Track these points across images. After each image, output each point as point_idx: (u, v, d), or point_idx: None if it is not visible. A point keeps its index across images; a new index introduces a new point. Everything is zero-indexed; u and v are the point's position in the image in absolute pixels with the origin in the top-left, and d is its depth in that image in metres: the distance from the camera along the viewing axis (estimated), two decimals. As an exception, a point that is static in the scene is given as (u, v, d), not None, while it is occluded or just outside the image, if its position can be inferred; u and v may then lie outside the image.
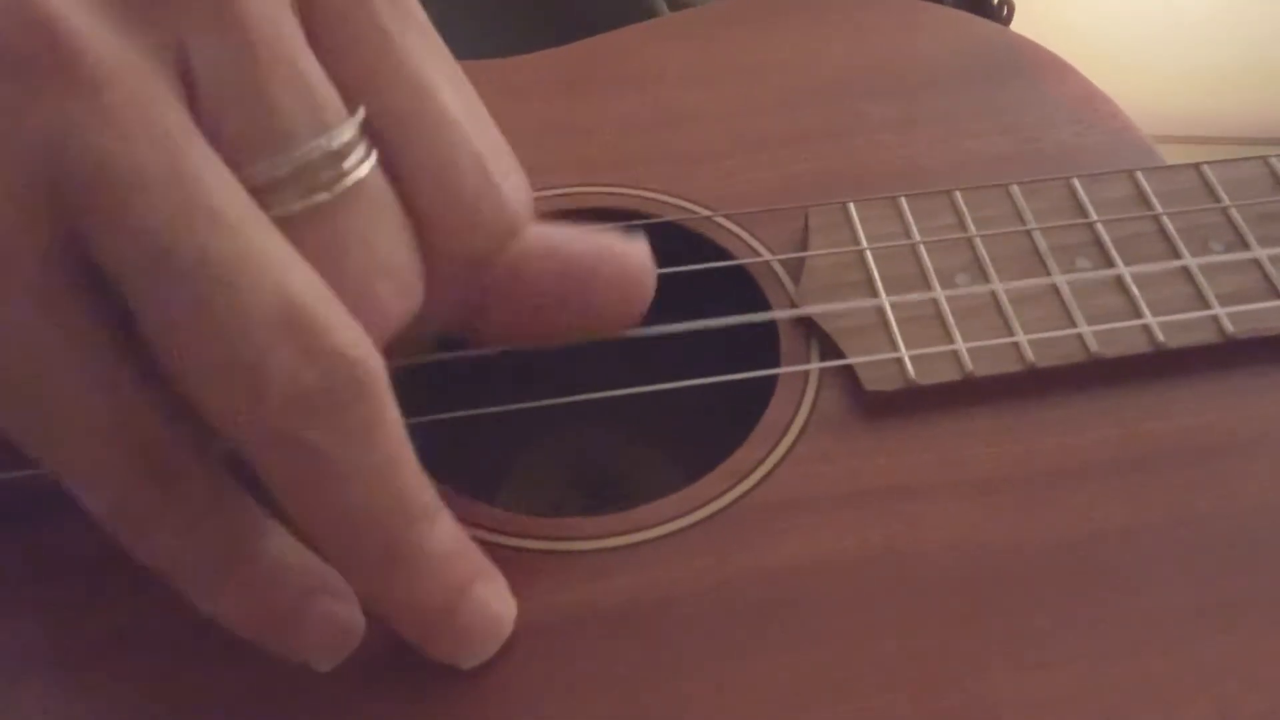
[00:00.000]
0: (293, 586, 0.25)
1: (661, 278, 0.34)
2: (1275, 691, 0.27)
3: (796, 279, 0.34)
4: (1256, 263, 0.34)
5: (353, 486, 0.23)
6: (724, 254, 0.36)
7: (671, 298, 0.33)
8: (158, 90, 0.22)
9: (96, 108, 0.21)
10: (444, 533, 0.25)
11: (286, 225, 0.23)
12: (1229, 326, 0.33)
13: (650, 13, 0.47)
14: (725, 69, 0.42)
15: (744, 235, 0.36)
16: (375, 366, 0.23)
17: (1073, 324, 0.33)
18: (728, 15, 0.44)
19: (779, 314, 0.34)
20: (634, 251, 0.29)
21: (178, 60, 0.22)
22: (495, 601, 0.27)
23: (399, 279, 0.24)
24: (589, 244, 0.29)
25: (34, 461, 0.23)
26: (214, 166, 0.22)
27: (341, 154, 0.23)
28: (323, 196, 0.23)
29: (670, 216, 0.37)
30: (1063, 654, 0.27)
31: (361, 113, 0.24)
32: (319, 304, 0.22)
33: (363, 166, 0.24)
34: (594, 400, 0.32)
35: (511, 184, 0.26)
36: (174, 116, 0.22)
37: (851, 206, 0.36)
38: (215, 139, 0.22)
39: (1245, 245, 0.34)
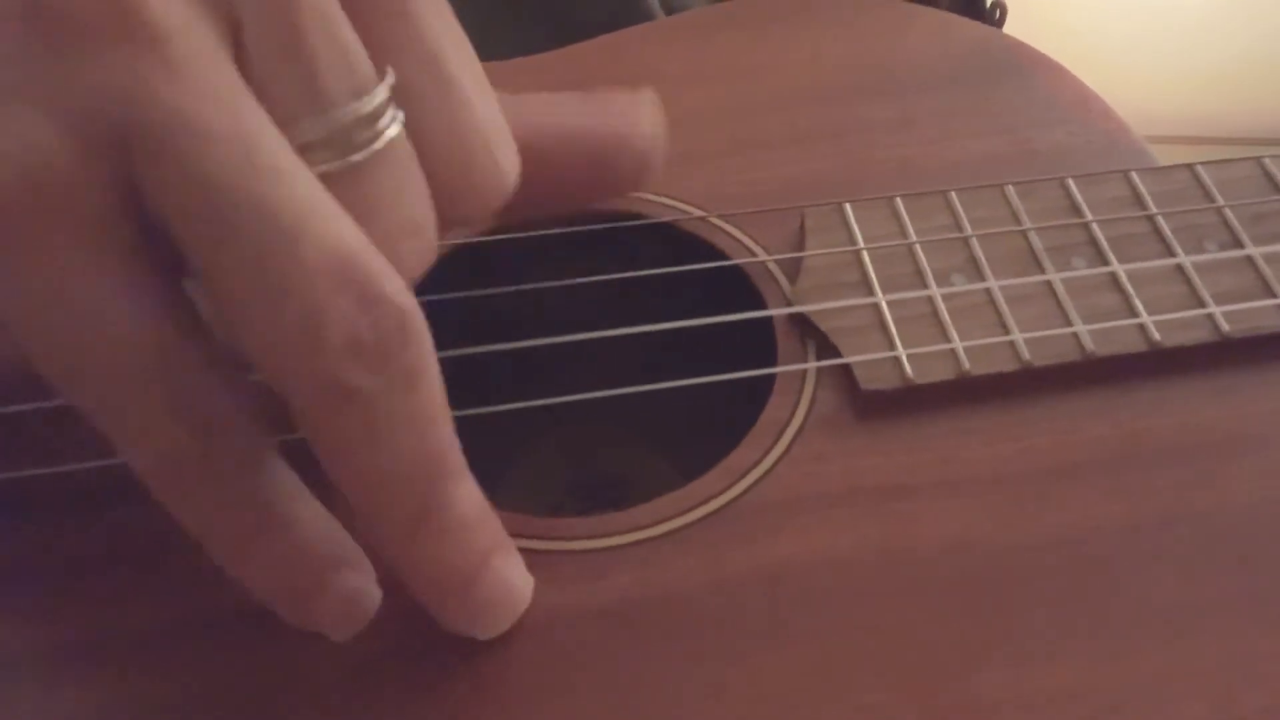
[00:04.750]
0: (318, 558, 0.26)
1: (657, 278, 0.34)
2: (1272, 689, 0.27)
3: (793, 279, 0.35)
4: (1251, 262, 0.34)
5: (395, 436, 0.24)
6: (720, 255, 0.36)
7: (668, 298, 0.34)
8: (215, 49, 0.22)
9: (160, 63, 0.22)
10: (471, 497, 0.26)
11: (323, 183, 0.23)
12: (1224, 325, 0.33)
13: (645, 16, 0.47)
14: (720, 71, 0.42)
15: (740, 236, 0.36)
16: (420, 316, 0.24)
17: (1068, 323, 0.33)
18: (722, 18, 0.44)
19: (776, 312, 0.34)
20: (637, 128, 0.30)
21: (229, 23, 0.23)
22: (513, 574, 0.28)
23: (420, 237, 0.25)
24: (594, 128, 0.29)
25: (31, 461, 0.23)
26: (268, 123, 0.22)
27: (374, 116, 0.24)
28: (357, 157, 0.24)
29: (666, 217, 0.37)
30: (1058, 652, 0.27)
31: (392, 76, 0.24)
32: (370, 255, 0.23)
33: (393, 127, 0.24)
34: (590, 400, 0.32)
35: (507, 159, 0.27)
36: (230, 74, 0.22)
37: (847, 207, 0.36)
38: (260, 100, 0.23)
39: (1239, 245, 0.35)
